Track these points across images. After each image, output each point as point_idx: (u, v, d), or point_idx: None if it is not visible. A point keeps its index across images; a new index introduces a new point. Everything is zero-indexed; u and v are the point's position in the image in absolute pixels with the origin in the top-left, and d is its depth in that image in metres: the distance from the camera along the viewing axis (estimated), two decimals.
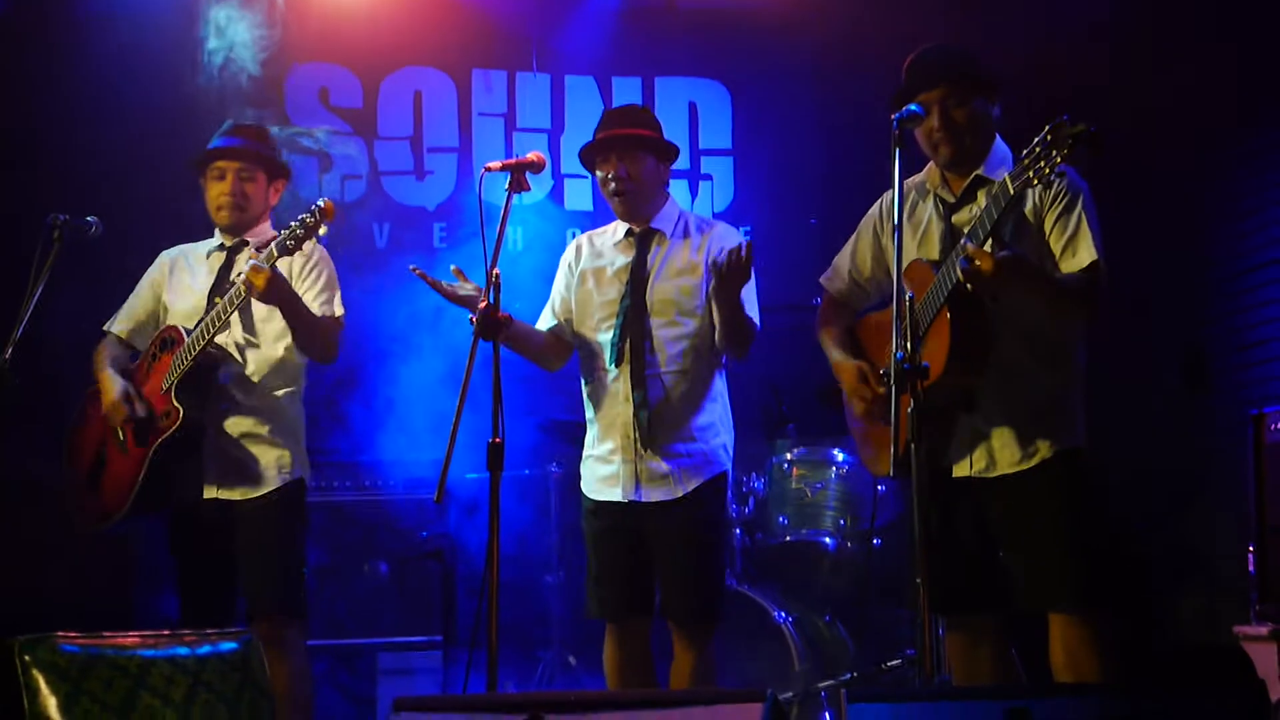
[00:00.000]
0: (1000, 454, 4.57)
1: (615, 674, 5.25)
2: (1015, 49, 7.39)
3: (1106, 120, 7.23)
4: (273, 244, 4.95)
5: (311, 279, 5.34)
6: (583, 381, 5.41)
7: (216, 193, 5.42)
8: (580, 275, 5.43)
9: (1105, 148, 4.02)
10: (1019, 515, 4.56)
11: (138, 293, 5.57)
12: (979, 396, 4.55)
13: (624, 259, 5.37)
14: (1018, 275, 4.30)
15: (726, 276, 4.94)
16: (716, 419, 5.33)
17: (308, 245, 5.07)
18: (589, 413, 5.37)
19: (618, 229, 5.45)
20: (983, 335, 4.45)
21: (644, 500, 5.19)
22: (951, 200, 4.69)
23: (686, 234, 5.39)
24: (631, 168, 5.31)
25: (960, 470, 4.62)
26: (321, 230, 4.93)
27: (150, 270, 5.59)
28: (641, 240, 5.37)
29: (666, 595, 5.21)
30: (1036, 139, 4.08)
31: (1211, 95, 6.98)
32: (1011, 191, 4.19)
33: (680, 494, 5.18)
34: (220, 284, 5.34)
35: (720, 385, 5.37)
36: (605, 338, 5.29)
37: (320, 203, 4.89)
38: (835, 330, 4.99)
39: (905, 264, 4.52)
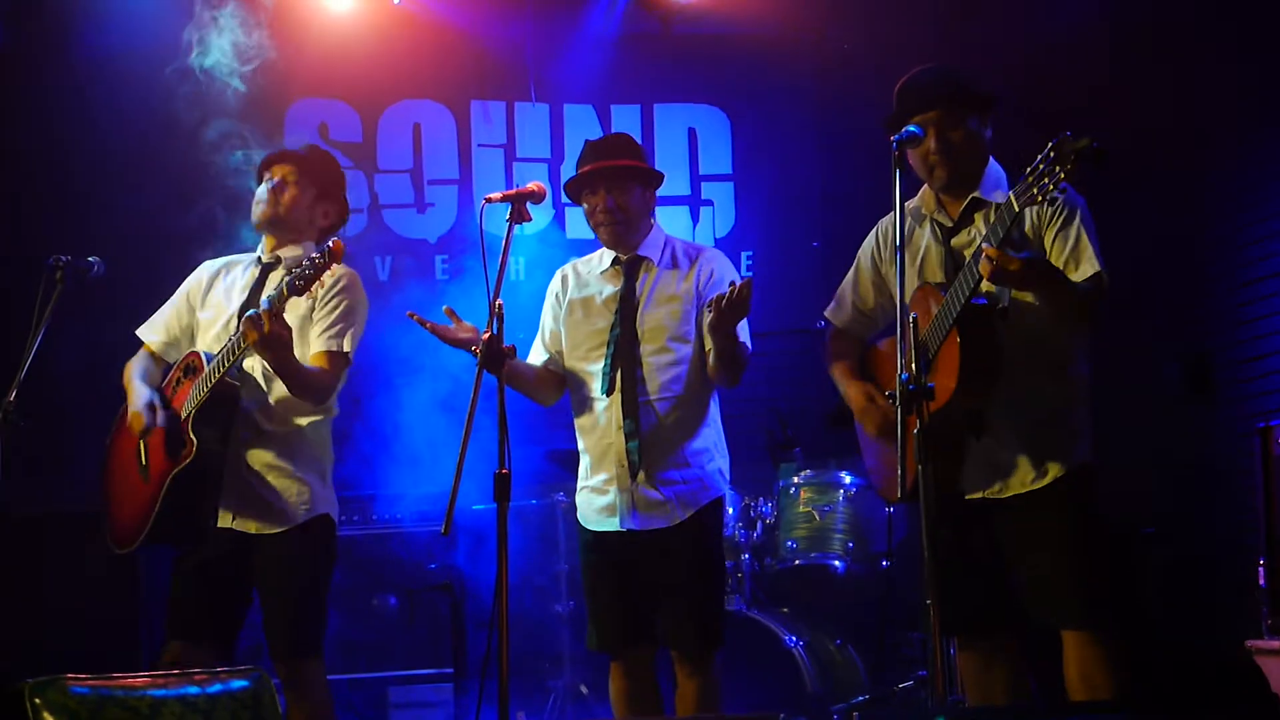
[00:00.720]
0: (1012, 475, 4.58)
1: (622, 706, 5.23)
2: (1014, 59, 7.43)
3: (1108, 126, 7.29)
4: (284, 281, 4.85)
5: (328, 309, 5.20)
6: (574, 413, 5.40)
7: (260, 191, 5.35)
8: (569, 306, 5.42)
9: (1108, 162, 4.01)
10: (1032, 533, 4.56)
11: (174, 304, 5.44)
12: (988, 418, 4.56)
13: (612, 288, 5.36)
14: (1041, 274, 4.33)
15: (726, 311, 4.90)
16: (711, 444, 5.31)
17: (327, 277, 4.98)
18: (581, 443, 5.35)
19: (603, 257, 5.45)
20: (992, 354, 4.45)
21: (641, 529, 5.17)
22: (949, 224, 4.70)
23: (675, 261, 5.39)
24: (619, 198, 5.30)
25: (973, 493, 4.62)
26: (328, 274, 4.86)
27: (188, 280, 5.47)
28: (629, 268, 5.36)
29: (667, 623, 5.18)
30: (1040, 155, 4.05)
31: (1215, 104, 7.02)
32: (1017, 209, 4.18)
33: (678, 520, 5.17)
34: (249, 304, 5.19)
35: (714, 410, 5.35)
36: (596, 367, 5.28)
37: (329, 243, 4.79)
38: (846, 363, 5.01)
39: (908, 290, 4.53)
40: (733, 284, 4.90)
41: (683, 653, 5.16)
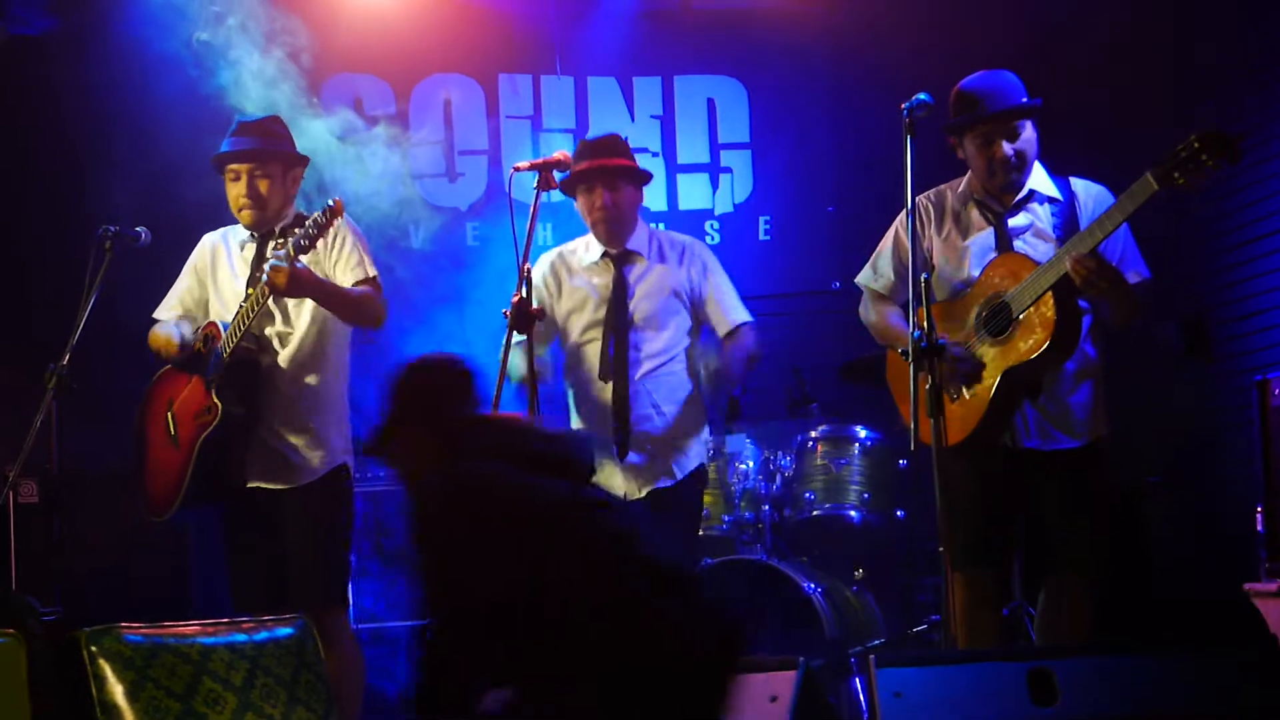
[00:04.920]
0: (1062, 432, 4.91)
1: None
2: (1021, 25, 7.57)
3: (1101, 85, 7.33)
4: (289, 242, 4.98)
5: (338, 249, 5.34)
6: (571, 394, 5.69)
7: (234, 194, 5.40)
8: (562, 293, 5.72)
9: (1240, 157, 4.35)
10: (1070, 489, 4.90)
11: (184, 280, 5.58)
12: (1050, 377, 4.86)
13: (602, 279, 5.66)
14: (1121, 292, 4.70)
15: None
16: (694, 422, 5.68)
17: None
18: (576, 420, 5.66)
19: (589, 249, 5.74)
20: (1078, 326, 4.78)
21: (629, 499, 5.48)
22: (1001, 210, 5.00)
23: (663, 254, 5.72)
24: (615, 196, 5.59)
25: (1026, 444, 4.91)
26: (330, 230, 5.03)
27: (194, 256, 5.60)
28: (619, 261, 5.66)
29: None
30: (1182, 145, 4.33)
31: (1207, 61, 7.04)
32: (1156, 188, 4.43)
33: (655, 488, 5.54)
34: (255, 276, 5.33)
35: (698, 390, 5.69)
36: (592, 351, 5.60)
37: (330, 201, 4.94)
38: (895, 318, 5.23)
39: (992, 258, 4.93)
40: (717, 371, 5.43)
41: None
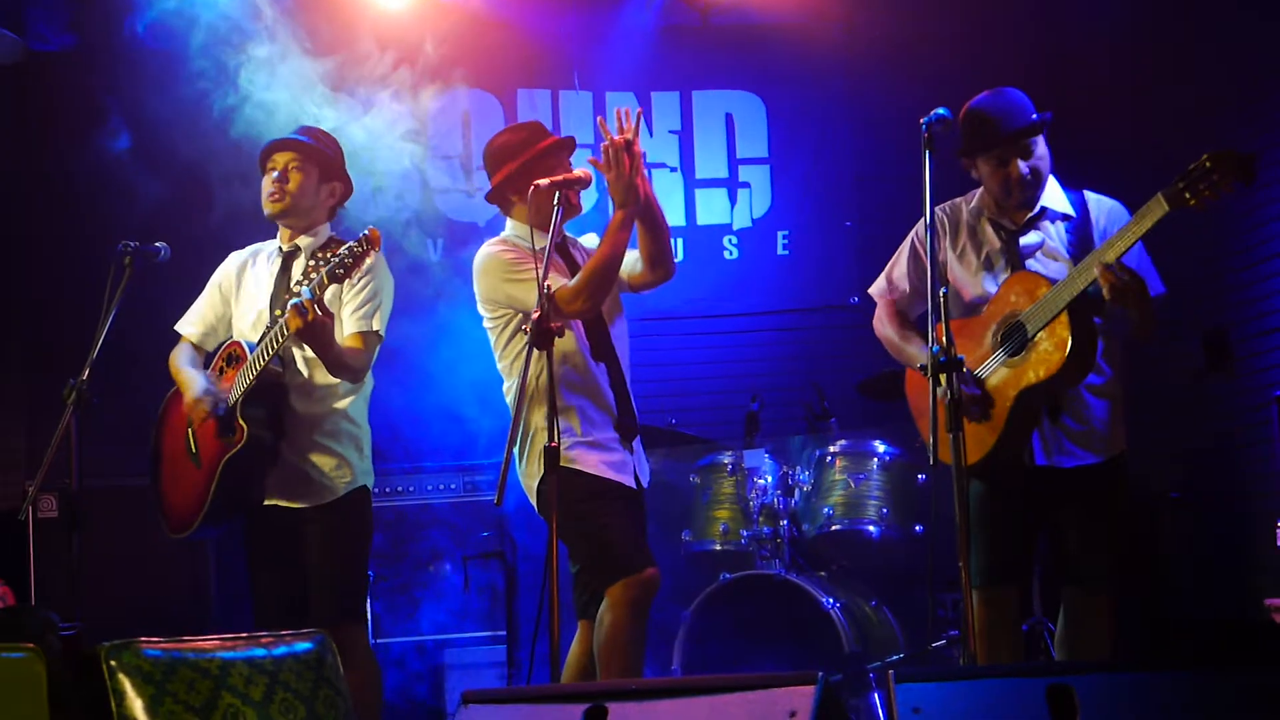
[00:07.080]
0: (1080, 449, 4.92)
1: (582, 670, 5.09)
2: (1040, 39, 7.59)
3: (1122, 104, 7.30)
4: (324, 271, 4.97)
5: (357, 290, 5.31)
6: (564, 367, 5.14)
7: (266, 184, 5.43)
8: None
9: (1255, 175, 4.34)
10: (1088, 505, 4.91)
11: (208, 296, 5.60)
12: (1070, 394, 4.88)
13: (559, 259, 5.28)
14: (1143, 297, 4.65)
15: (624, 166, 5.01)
16: None
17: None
18: (577, 399, 5.17)
19: (540, 235, 5.07)
20: (1095, 336, 4.77)
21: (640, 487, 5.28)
22: (1014, 228, 5.02)
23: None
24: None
25: (1042, 462, 4.93)
26: (367, 261, 5.00)
27: (218, 273, 5.62)
28: (566, 247, 5.39)
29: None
30: (1194, 164, 4.33)
31: (1227, 77, 7.05)
32: (1167, 208, 4.43)
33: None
34: (278, 293, 5.38)
35: None
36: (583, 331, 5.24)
37: (366, 231, 4.93)
38: (911, 331, 5.24)
39: (1005, 276, 4.93)
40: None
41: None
